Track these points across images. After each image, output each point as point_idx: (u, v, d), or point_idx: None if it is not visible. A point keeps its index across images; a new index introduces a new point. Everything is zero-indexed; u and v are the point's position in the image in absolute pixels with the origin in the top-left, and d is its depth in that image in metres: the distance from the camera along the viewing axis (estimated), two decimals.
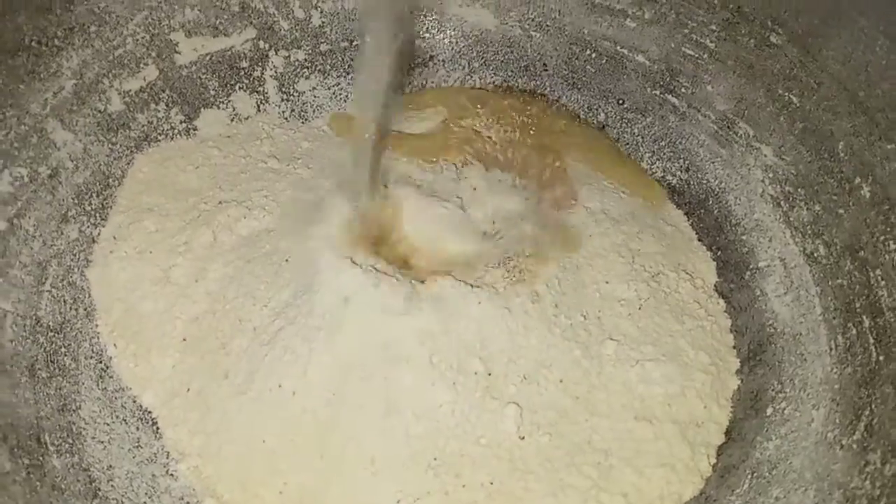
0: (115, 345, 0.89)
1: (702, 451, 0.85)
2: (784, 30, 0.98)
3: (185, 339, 0.88)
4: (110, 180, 0.98)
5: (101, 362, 0.88)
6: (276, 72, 1.14)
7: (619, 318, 0.92)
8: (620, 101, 1.16)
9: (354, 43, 1.18)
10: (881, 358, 0.81)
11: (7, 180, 0.87)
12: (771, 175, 1.01)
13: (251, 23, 1.11)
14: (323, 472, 0.80)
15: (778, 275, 0.97)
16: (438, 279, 0.86)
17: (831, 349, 0.88)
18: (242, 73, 1.11)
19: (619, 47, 1.14)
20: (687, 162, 1.11)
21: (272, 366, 0.83)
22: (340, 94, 1.17)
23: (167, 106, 1.05)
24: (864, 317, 0.85)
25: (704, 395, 0.88)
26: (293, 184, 1.01)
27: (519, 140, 1.10)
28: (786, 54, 0.98)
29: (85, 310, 0.90)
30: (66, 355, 0.86)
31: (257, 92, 1.13)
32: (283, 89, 1.14)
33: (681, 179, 1.11)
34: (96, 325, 0.90)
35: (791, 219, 0.98)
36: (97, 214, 0.95)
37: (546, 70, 1.20)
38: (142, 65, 1.02)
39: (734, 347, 0.95)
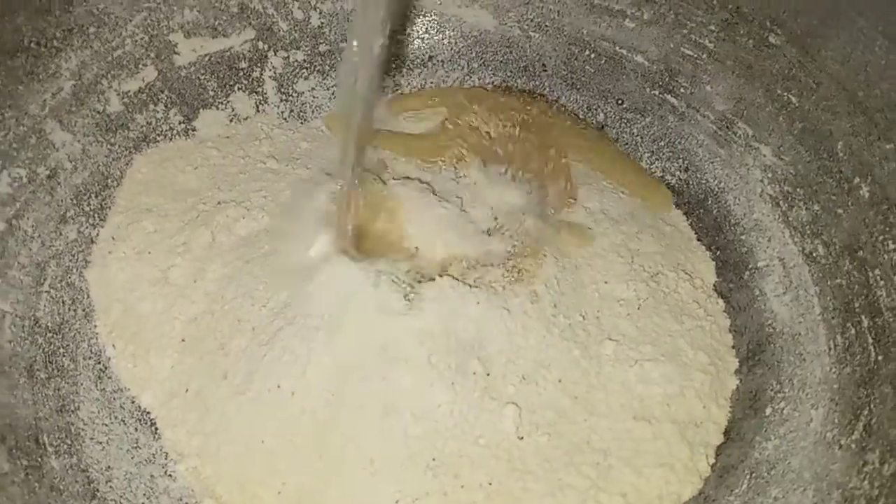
0: (113, 345, 0.89)
1: (700, 451, 0.85)
2: (783, 30, 0.98)
3: (183, 340, 0.88)
4: (109, 181, 0.98)
5: (99, 363, 0.88)
6: (275, 72, 1.14)
7: (618, 318, 0.92)
8: (619, 102, 1.16)
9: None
10: (880, 358, 0.81)
11: (6, 181, 0.87)
12: (770, 175, 1.01)
13: (250, 23, 1.11)
14: (322, 472, 0.79)
15: (777, 274, 0.97)
16: (437, 279, 0.86)
17: (830, 349, 0.87)
18: (241, 73, 1.11)
19: (618, 47, 1.14)
20: (686, 162, 1.11)
21: (271, 366, 0.82)
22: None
23: (166, 107, 1.05)
24: (863, 317, 0.85)
25: (703, 394, 0.88)
26: (292, 184, 1.01)
27: (518, 137, 1.10)
28: (785, 54, 0.98)
29: (83, 310, 0.90)
30: (64, 356, 0.86)
31: (256, 92, 1.13)
32: (282, 90, 1.15)
33: (680, 179, 1.11)
34: (95, 326, 0.90)
35: (790, 218, 0.98)
36: (96, 215, 0.95)
37: (545, 70, 1.20)
38: (141, 66, 1.02)
39: (733, 347, 0.94)
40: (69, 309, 0.89)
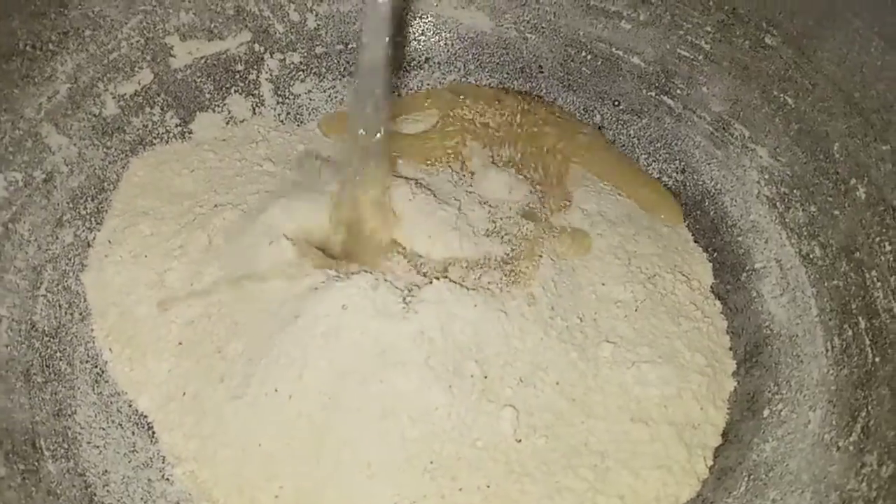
0: (110, 349, 0.89)
1: (698, 453, 0.85)
2: (779, 31, 0.98)
3: (180, 343, 0.88)
4: (105, 184, 0.98)
5: (96, 367, 0.88)
6: (271, 75, 1.14)
7: (616, 320, 0.92)
8: (616, 103, 1.16)
9: (350, 46, 1.18)
10: (877, 359, 0.81)
11: (2, 185, 0.87)
12: (766, 176, 1.01)
13: (246, 26, 1.11)
14: (319, 476, 0.79)
15: (774, 276, 0.97)
16: (434, 282, 0.86)
17: (827, 350, 0.87)
18: (238, 76, 1.11)
19: (614, 49, 1.14)
20: (683, 163, 1.11)
21: (268, 370, 0.82)
22: (336, 97, 1.17)
23: (162, 109, 1.05)
24: (860, 318, 0.85)
25: (701, 396, 0.88)
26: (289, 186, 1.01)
27: (516, 133, 1.10)
28: (781, 56, 0.98)
29: (80, 314, 0.90)
30: (61, 360, 0.86)
31: (253, 95, 1.13)
32: (279, 92, 1.15)
33: (676, 181, 1.11)
34: (91, 330, 0.89)
35: (787, 220, 0.98)
36: (92, 218, 0.95)
37: (542, 72, 1.20)
38: (136, 68, 1.02)
39: (730, 349, 0.95)
40: (66, 313, 0.89)
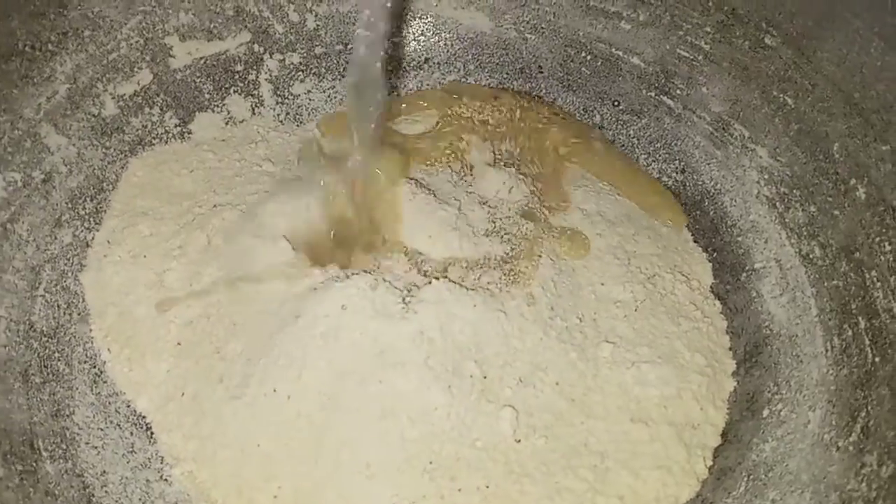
0: (108, 349, 0.89)
1: (698, 454, 0.85)
2: (779, 31, 0.98)
3: (179, 344, 0.88)
4: (104, 184, 0.98)
5: (94, 367, 0.88)
6: (270, 75, 1.14)
7: (615, 320, 0.92)
8: (616, 103, 1.16)
9: (349, 46, 1.17)
10: (877, 359, 0.81)
11: (0, 185, 0.86)
12: (766, 176, 1.01)
13: (246, 26, 1.11)
14: (318, 476, 0.79)
15: (774, 276, 0.97)
16: (434, 282, 0.86)
17: (827, 350, 0.87)
18: (237, 76, 1.11)
19: (614, 49, 1.14)
20: (682, 163, 1.11)
21: (267, 370, 0.82)
22: (335, 97, 1.17)
23: (161, 110, 1.05)
24: (860, 318, 0.85)
25: (700, 396, 0.88)
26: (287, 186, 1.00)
27: (516, 133, 1.10)
28: (780, 56, 0.98)
29: (79, 314, 0.90)
30: (59, 360, 0.86)
31: (252, 95, 1.13)
32: (278, 92, 1.15)
33: (676, 181, 1.11)
34: (90, 330, 0.89)
35: (786, 220, 0.98)
36: (91, 219, 0.95)
37: (541, 72, 1.20)
38: (136, 69, 1.02)
39: (730, 349, 0.94)
40: (64, 313, 0.89)
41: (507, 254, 0.93)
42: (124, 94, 1.01)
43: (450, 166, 1.04)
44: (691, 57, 1.08)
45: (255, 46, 1.12)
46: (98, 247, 0.94)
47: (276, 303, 0.87)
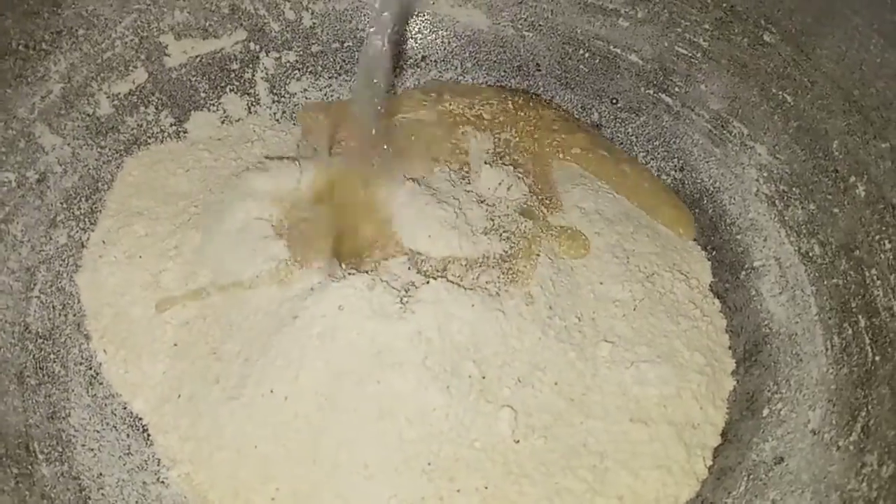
0: (104, 350, 0.88)
1: (698, 453, 0.85)
2: (777, 28, 0.98)
3: (175, 345, 0.88)
4: (99, 184, 0.97)
5: (90, 368, 0.87)
6: (266, 73, 1.13)
7: (614, 320, 0.92)
8: (614, 101, 1.16)
9: (346, 44, 1.17)
10: (877, 358, 0.81)
11: None
12: (765, 174, 1.01)
13: (241, 24, 1.10)
14: (315, 477, 0.79)
15: (773, 274, 0.97)
16: (432, 282, 0.85)
17: (827, 349, 0.87)
18: (233, 74, 1.11)
19: (612, 47, 1.14)
20: (681, 161, 1.10)
21: (264, 371, 0.82)
22: (332, 95, 1.17)
23: (157, 109, 1.04)
24: (860, 317, 0.85)
25: (700, 396, 0.88)
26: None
27: (514, 131, 1.10)
28: (779, 53, 0.98)
29: (74, 316, 0.89)
30: (55, 362, 0.85)
31: (248, 94, 1.12)
32: (275, 91, 1.14)
33: (675, 179, 1.10)
34: (86, 331, 0.89)
35: (786, 218, 0.97)
36: (86, 219, 0.95)
37: (539, 70, 1.19)
38: (131, 68, 1.01)
39: (730, 348, 0.94)
40: (59, 314, 0.88)
41: (506, 252, 0.93)
42: (119, 93, 1.00)
43: (448, 165, 1.04)
44: (690, 54, 1.08)
45: (251, 45, 1.11)
46: (93, 247, 0.93)
47: (273, 303, 0.86)
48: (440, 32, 1.21)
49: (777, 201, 0.99)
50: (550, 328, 0.87)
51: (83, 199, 0.95)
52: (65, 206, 0.93)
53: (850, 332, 0.85)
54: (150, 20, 1.02)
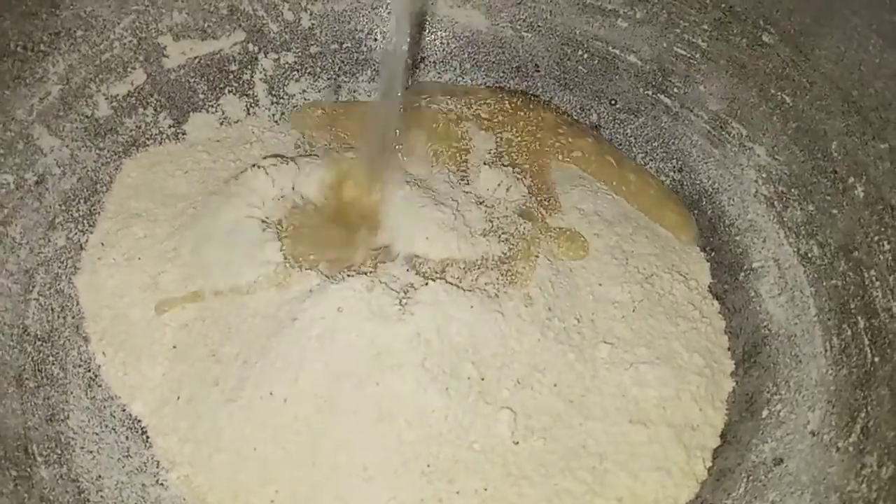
0: (103, 353, 0.88)
1: (697, 455, 0.85)
2: (776, 29, 0.98)
3: (174, 347, 0.87)
4: (98, 186, 0.97)
5: (89, 371, 0.87)
6: (265, 75, 1.13)
7: (613, 321, 0.92)
8: (613, 102, 1.16)
9: (344, 45, 1.17)
10: (876, 359, 0.81)
11: None
12: (764, 175, 1.01)
13: (240, 25, 1.10)
14: (315, 480, 0.79)
15: (772, 276, 0.97)
16: (430, 283, 0.85)
17: (826, 350, 0.87)
18: (231, 76, 1.11)
19: (610, 47, 1.14)
20: (680, 162, 1.10)
21: (263, 373, 0.82)
22: (330, 97, 1.16)
23: (155, 110, 1.04)
24: (859, 318, 0.85)
25: (699, 397, 0.88)
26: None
27: (513, 132, 1.10)
28: (778, 54, 0.98)
29: (73, 318, 0.89)
30: (53, 364, 0.85)
31: (247, 95, 1.12)
32: (273, 92, 1.14)
33: (674, 180, 1.10)
34: (84, 333, 0.89)
35: (785, 219, 0.97)
36: (85, 221, 0.94)
37: (538, 71, 1.19)
38: (129, 69, 1.01)
39: (729, 349, 0.94)
40: (58, 316, 0.88)
41: (505, 253, 0.93)
42: (118, 95, 1.00)
43: (447, 167, 1.04)
44: (688, 55, 1.07)
45: (250, 46, 1.11)
46: (92, 249, 0.93)
47: (272, 306, 0.86)
48: (439, 33, 1.21)
49: (776, 202, 0.99)
50: (549, 329, 0.87)
51: (82, 201, 0.95)
52: (63, 207, 0.92)
53: (849, 333, 0.85)
54: (149, 21, 1.02)
